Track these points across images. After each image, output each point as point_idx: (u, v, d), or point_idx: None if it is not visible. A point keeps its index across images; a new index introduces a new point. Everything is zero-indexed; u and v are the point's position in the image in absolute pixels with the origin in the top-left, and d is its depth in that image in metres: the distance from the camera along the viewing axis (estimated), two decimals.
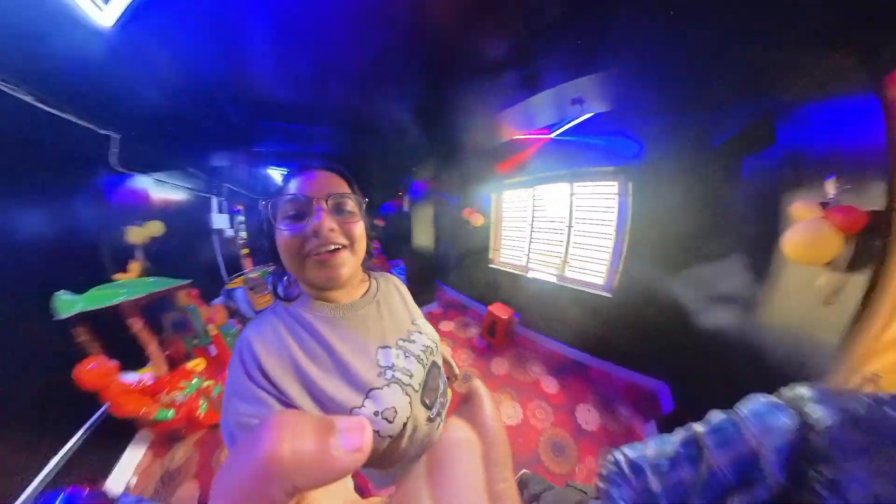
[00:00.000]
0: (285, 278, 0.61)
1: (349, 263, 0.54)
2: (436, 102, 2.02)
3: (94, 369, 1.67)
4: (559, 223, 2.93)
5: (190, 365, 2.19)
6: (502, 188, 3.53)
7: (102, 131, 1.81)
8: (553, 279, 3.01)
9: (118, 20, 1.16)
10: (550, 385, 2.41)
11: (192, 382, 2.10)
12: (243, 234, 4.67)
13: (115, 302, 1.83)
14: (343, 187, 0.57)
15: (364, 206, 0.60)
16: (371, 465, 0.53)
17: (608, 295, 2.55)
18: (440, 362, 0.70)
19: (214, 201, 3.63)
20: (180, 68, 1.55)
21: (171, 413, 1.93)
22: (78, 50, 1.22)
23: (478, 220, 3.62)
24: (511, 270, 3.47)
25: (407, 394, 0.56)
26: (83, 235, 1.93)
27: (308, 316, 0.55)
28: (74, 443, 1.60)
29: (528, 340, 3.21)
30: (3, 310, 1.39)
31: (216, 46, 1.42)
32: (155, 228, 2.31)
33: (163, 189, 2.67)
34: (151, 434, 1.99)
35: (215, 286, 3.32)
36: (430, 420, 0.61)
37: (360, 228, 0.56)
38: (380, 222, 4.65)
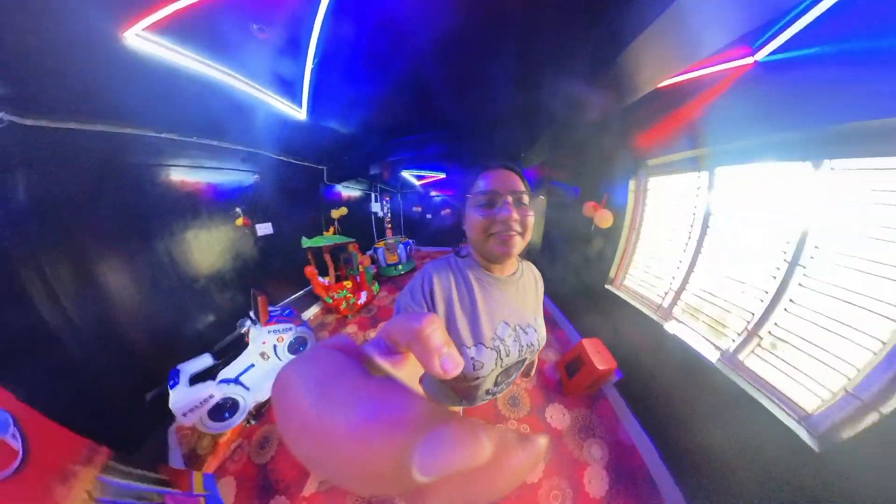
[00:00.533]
0: (462, 245, 0.82)
1: (518, 246, 0.69)
2: (540, 55, 1.53)
3: (309, 270, 3.87)
4: (765, 251, 1.33)
5: (345, 283, 4.25)
6: (647, 173, 2.20)
7: (319, 166, 4.08)
8: (711, 354, 1.53)
9: (308, 114, 2.71)
10: (596, 483, 1.66)
11: (343, 292, 4.12)
12: (389, 216, 7.33)
13: (321, 244, 3.98)
14: (521, 184, 0.69)
15: (538, 201, 0.92)
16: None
17: (807, 440, 1.10)
18: (529, 360, 0.83)
19: (373, 195, 6.20)
20: (349, 123, 3.20)
21: (330, 300, 4.00)
22: (295, 132, 3.00)
23: (605, 220, 2.45)
24: (637, 306, 2.14)
25: (496, 364, 0.72)
26: (314, 213, 4.31)
27: (469, 273, 0.75)
28: (296, 296, 3.94)
29: (611, 409, 2.15)
30: (288, 244, 3.69)
31: (367, 107, 2.73)
32: (343, 211, 4.57)
33: (347, 190, 5.14)
34: (322, 304, 4.25)
35: (368, 244, 5.72)
36: (487, 392, 0.80)
37: (532, 220, 0.69)
38: None
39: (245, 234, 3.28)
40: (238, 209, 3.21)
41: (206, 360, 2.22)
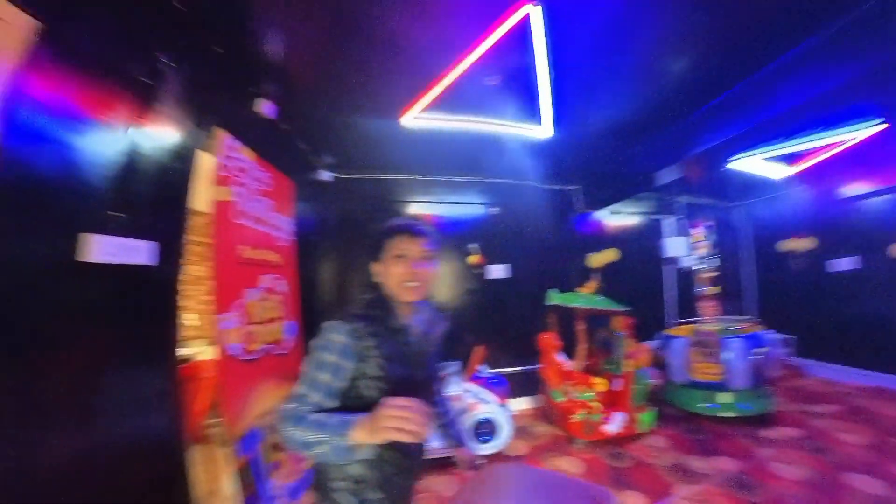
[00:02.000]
0: None
1: None
2: None
3: (547, 338, 2.89)
4: None
5: (594, 380, 2.77)
6: None
7: (568, 188, 3.24)
8: None
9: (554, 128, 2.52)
10: None
11: (585, 394, 2.67)
12: (713, 265, 3.98)
13: (572, 305, 2.91)
14: None
15: None
16: None
17: None
18: None
19: (666, 223, 3.76)
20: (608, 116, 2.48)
21: (560, 398, 2.70)
22: (539, 152, 2.74)
23: None
24: None
25: None
26: (563, 257, 3.41)
27: None
28: (510, 370, 3.10)
29: None
30: (523, 295, 3.09)
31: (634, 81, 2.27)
32: (609, 256, 3.24)
33: (616, 218, 3.68)
34: (543, 399, 3.02)
35: (652, 325, 3.56)
36: None
37: None
38: None
39: (475, 273, 3.25)
40: (474, 245, 3.24)
41: None
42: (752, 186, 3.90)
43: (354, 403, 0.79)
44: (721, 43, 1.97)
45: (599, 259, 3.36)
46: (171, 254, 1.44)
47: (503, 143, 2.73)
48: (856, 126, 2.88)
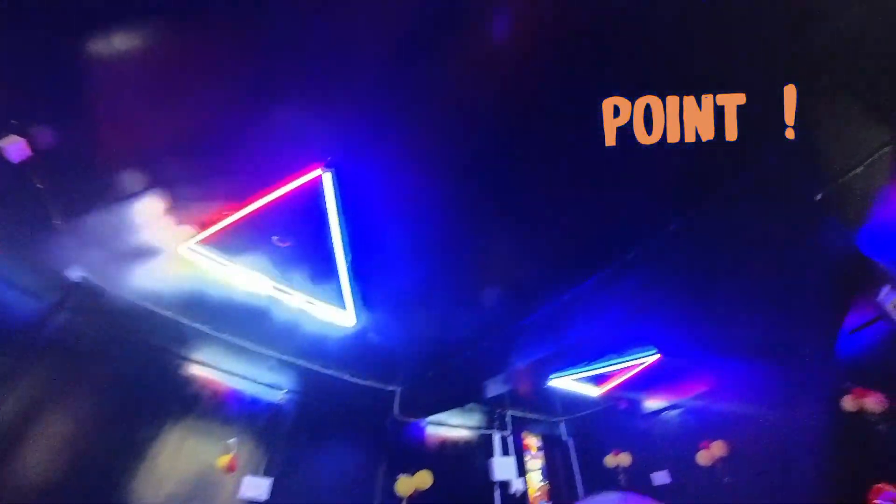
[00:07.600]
0: None
1: None
2: None
3: None
4: None
5: None
6: None
7: (387, 388, 2.98)
8: None
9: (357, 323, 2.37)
10: None
11: None
12: (544, 483, 3.69)
13: None
14: None
15: None
16: None
17: None
18: None
19: (497, 439, 3.44)
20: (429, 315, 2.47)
21: None
22: (348, 341, 2.46)
23: None
24: None
25: None
26: (366, 474, 2.76)
27: None
28: None
29: None
30: None
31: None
32: (422, 480, 2.61)
33: (442, 430, 3.25)
34: None
35: None
36: None
37: None
38: None
39: (224, 483, 2.31)
40: (233, 440, 2.39)
41: None
42: (573, 402, 4.08)
43: None
44: (521, 273, 2.27)
45: (409, 484, 2.58)
46: None
47: (305, 320, 2.36)
48: (640, 354, 3.44)
